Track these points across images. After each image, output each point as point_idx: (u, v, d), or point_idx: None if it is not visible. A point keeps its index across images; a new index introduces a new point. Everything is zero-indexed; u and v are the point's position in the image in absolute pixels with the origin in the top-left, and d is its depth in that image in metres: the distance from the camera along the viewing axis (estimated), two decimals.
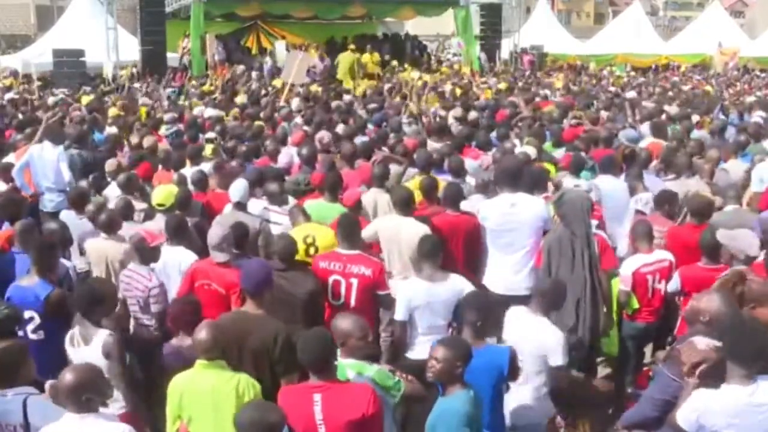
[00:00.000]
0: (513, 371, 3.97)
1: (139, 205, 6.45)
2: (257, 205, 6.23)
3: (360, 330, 3.81)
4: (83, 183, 7.20)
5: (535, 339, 4.21)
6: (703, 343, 3.48)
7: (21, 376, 3.59)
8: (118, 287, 4.99)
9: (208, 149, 8.52)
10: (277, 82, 14.25)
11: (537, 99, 14.98)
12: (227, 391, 3.59)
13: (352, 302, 4.88)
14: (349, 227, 5.11)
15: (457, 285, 4.67)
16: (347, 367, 3.76)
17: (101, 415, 3.31)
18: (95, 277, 5.37)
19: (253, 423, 3.11)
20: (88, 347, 4.10)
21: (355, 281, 4.88)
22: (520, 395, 4.25)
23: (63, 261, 5.17)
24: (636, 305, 5.41)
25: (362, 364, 3.80)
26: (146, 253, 5.05)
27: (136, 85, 17.47)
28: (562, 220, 4.96)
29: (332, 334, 3.79)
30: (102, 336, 4.12)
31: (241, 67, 20.30)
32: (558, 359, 4.20)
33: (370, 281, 4.89)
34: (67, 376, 3.29)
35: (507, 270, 5.33)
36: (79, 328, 4.18)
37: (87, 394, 3.25)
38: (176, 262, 5.29)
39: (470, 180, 6.96)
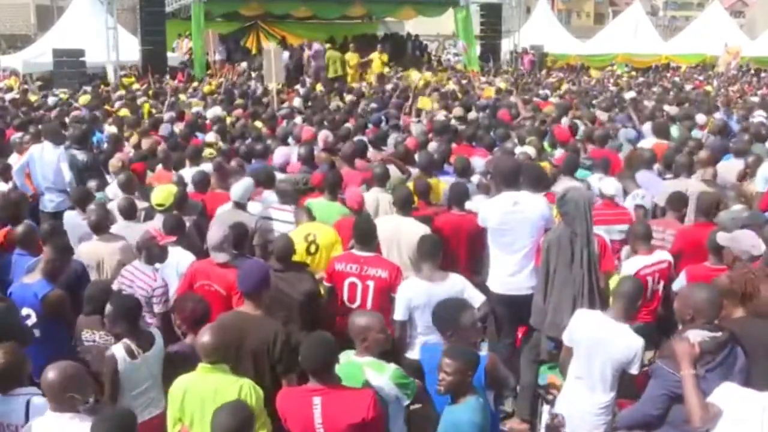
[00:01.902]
0: (491, 380, 3.89)
1: (140, 204, 6.44)
2: (258, 207, 6.22)
3: (379, 323, 3.81)
4: (92, 183, 7.16)
5: (619, 346, 4.06)
6: (698, 335, 3.49)
7: (22, 377, 3.59)
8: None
9: (208, 152, 8.50)
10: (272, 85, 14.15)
11: (536, 99, 14.98)
12: (230, 395, 3.57)
13: (369, 305, 4.85)
14: (366, 229, 5.10)
15: (457, 285, 4.66)
16: (365, 365, 3.73)
17: (77, 415, 3.29)
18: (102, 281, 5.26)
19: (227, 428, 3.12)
20: (152, 351, 4.10)
21: (371, 284, 4.87)
22: (594, 404, 4.15)
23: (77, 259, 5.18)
24: None
25: (380, 362, 3.78)
26: (155, 252, 5.04)
27: (136, 86, 17.46)
28: (563, 219, 4.93)
29: (350, 333, 3.79)
30: (158, 335, 4.18)
31: (243, 65, 20.31)
32: (637, 368, 4.06)
33: (386, 284, 4.86)
34: (50, 374, 3.27)
35: (509, 269, 5.29)
36: (130, 341, 4.07)
37: (71, 392, 3.25)
38: (174, 262, 5.27)
39: (473, 179, 6.96)
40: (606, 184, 6.39)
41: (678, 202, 6.14)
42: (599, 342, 4.10)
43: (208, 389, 3.64)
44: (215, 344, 3.67)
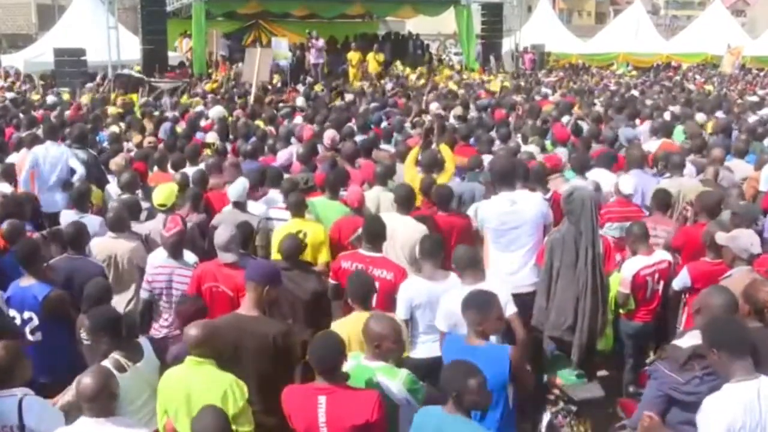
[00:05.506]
0: (516, 372, 3.85)
1: (142, 204, 6.45)
2: (260, 207, 6.22)
3: (395, 333, 3.77)
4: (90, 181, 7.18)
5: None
6: (698, 338, 3.50)
7: (16, 376, 3.55)
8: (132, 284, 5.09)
9: (206, 152, 8.51)
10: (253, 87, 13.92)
11: (537, 98, 14.99)
12: (213, 389, 3.56)
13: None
14: (375, 229, 5.08)
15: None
16: (377, 371, 3.71)
17: (119, 420, 3.29)
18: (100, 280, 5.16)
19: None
20: (143, 362, 3.97)
21: (376, 284, 4.81)
22: None
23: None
24: (632, 306, 5.41)
25: (391, 367, 3.76)
26: (179, 248, 5.09)
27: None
28: (568, 217, 4.90)
29: (364, 336, 3.77)
30: (147, 345, 4.08)
31: (240, 65, 20.30)
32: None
33: (391, 285, 4.84)
34: (87, 381, 3.24)
35: (510, 268, 5.28)
36: (120, 354, 3.90)
37: (108, 396, 3.26)
38: None
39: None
40: (623, 182, 6.39)
41: (661, 200, 6.09)
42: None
43: (193, 383, 3.63)
44: (201, 337, 3.65)
